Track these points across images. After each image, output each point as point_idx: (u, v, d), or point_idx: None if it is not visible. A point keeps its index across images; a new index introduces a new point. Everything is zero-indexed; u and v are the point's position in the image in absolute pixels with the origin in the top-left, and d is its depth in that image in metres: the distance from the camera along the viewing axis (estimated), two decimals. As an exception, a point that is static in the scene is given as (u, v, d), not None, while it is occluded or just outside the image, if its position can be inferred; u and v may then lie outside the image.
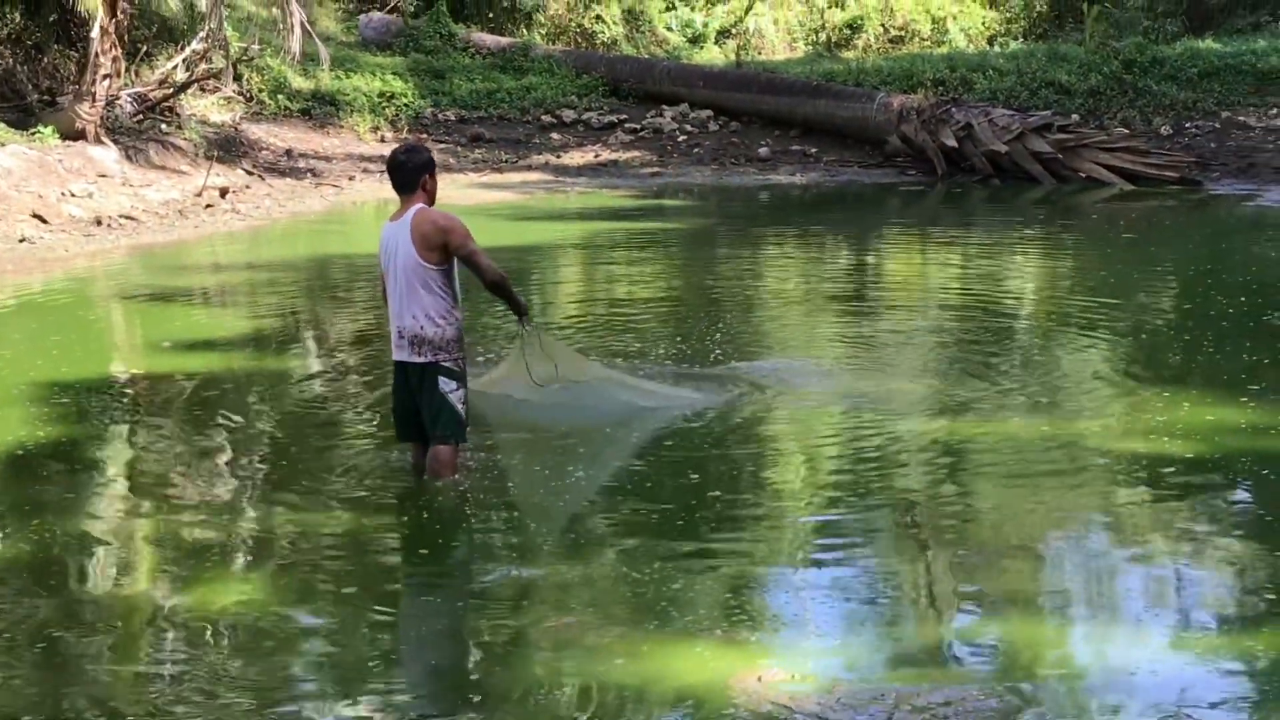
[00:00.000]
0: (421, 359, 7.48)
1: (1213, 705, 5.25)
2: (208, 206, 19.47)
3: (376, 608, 6.31)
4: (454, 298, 7.48)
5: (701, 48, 32.87)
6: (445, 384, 7.49)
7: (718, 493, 7.74)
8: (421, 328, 7.44)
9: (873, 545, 7.11)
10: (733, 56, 31.80)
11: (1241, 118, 24.89)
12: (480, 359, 9.82)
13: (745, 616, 6.12)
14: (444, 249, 7.35)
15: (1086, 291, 13.99)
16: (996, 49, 32.03)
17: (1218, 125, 24.79)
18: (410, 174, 7.47)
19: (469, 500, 7.54)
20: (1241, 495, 7.65)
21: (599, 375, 9.06)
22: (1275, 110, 24.96)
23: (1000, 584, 6.53)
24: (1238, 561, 6.68)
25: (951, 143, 23.24)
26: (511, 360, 8.60)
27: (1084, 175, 22.48)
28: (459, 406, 7.55)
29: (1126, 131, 24.20)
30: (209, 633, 6.00)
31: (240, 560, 6.86)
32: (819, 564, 6.80)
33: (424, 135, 25.61)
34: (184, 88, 23.19)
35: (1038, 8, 35.34)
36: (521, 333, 8.21)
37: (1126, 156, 22.55)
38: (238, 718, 5.24)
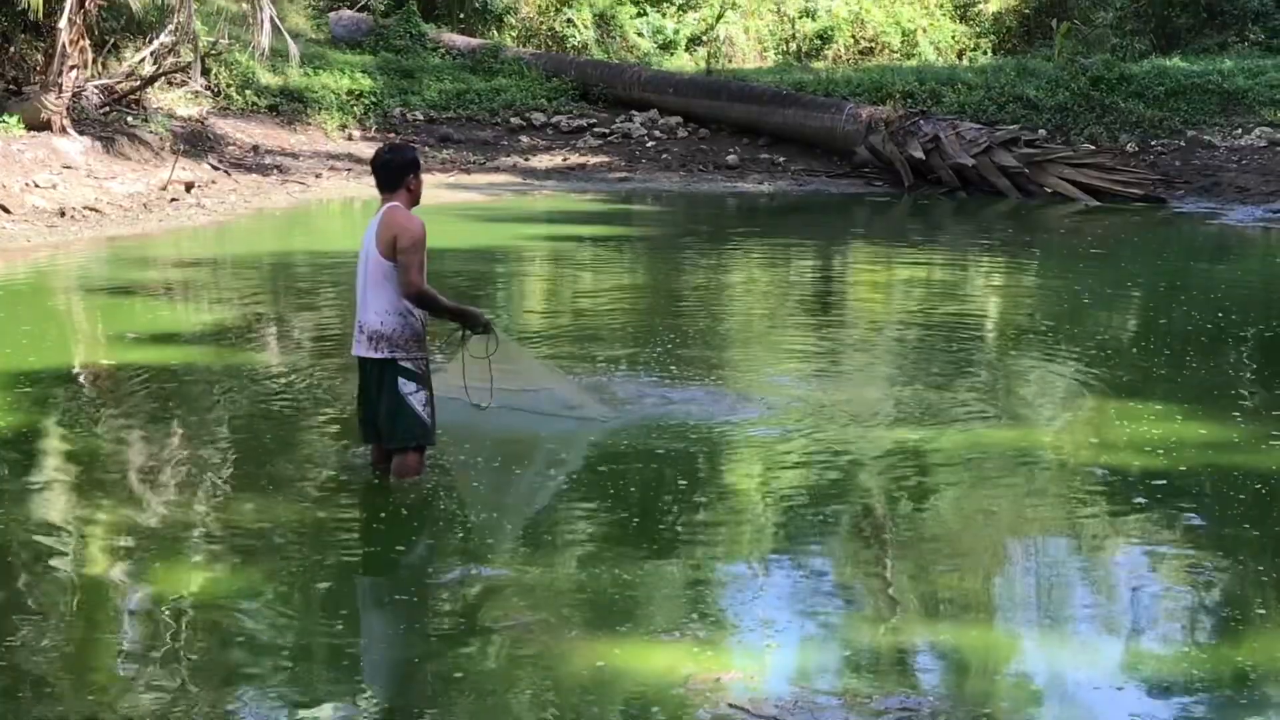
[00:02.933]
0: (378, 354, 7.43)
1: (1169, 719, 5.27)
2: (173, 200, 19.36)
3: (333, 605, 6.27)
4: None
5: (672, 54, 32.89)
6: (405, 385, 7.43)
7: (677, 497, 7.72)
8: (381, 323, 7.39)
9: (832, 552, 7.12)
10: (703, 64, 31.84)
11: (1207, 137, 25.04)
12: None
13: (704, 620, 6.10)
14: (393, 244, 7.32)
15: (1051, 305, 14.05)
16: (966, 63, 32.16)
17: (1183, 144, 24.94)
18: (394, 173, 7.44)
19: (428, 500, 7.50)
20: (1201, 509, 7.67)
21: (538, 379, 8.89)
22: (1240, 130, 25.13)
23: (959, 593, 6.56)
24: (1196, 575, 6.70)
25: (919, 155, 23.32)
26: (452, 372, 8.45)
27: (1049, 190, 22.60)
28: (420, 409, 7.48)
29: (1093, 148, 24.36)
30: (162, 624, 5.95)
31: (196, 554, 6.79)
32: (778, 569, 6.79)
33: (392, 135, 25.54)
34: (151, 81, 23.06)
35: (1007, 23, 35.49)
36: (463, 346, 8.02)
37: (1092, 173, 22.69)
38: (191, 711, 5.19)
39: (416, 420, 7.48)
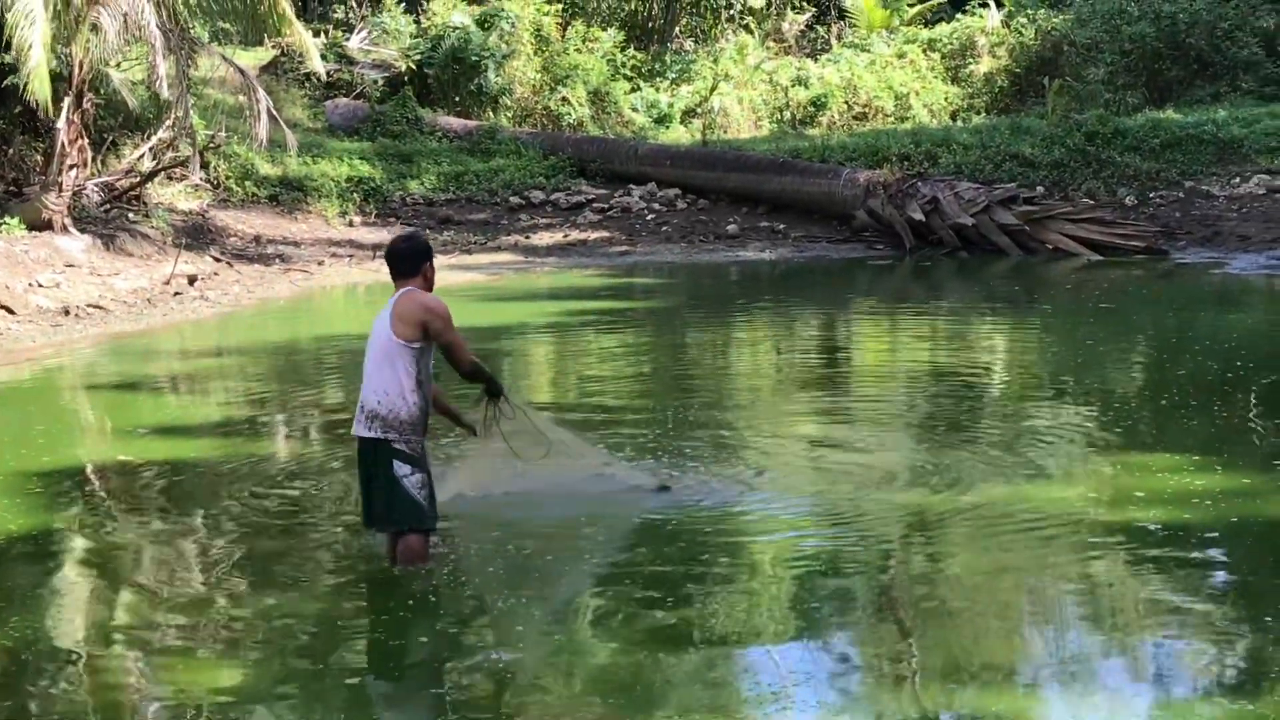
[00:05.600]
0: (372, 434, 7.38)
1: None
2: (176, 294, 19.40)
3: (355, 702, 6.21)
4: (417, 381, 7.38)
5: (668, 127, 33.05)
6: (400, 468, 7.37)
7: (692, 576, 7.65)
8: (378, 402, 7.36)
9: (853, 623, 7.05)
10: (699, 135, 31.99)
11: (1205, 187, 25.10)
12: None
13: (730, 697, 6.05)
14: (422, 328, 7.32)
15: (1061, 360, 14.02)
16: (960, 123, 32.28)
17: (1182, 195, 25.00)
18: (410, 261, 7.51)
19: (441, 587, 7.44)
20: (1218, 562, 7.63)
21: (569, 446, 8.86)
22: (1238, 179, 25.19)
23: (980, 657, 6.50)
24: (1216, 631, 6.64)
25: (919, 216, 23.37)
26: (478, 453, 8.43)
27: (1051, 247, 22.62)
28: (415, 492, 7.40)
29: (1091, 202, 24.40)
30: (175, 715, 5.89)
31: (213, 652, 6.73)
32: (800, 645, 6.73)
33: (393, 219, 25.63)
34: (151, 176, 23.18)
35: (999, 83, 35.67)
36: (492, 413, 8.07)
37: (1093, 227, 22.72)
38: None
39: (412, 503, 7.41)
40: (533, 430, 8.34)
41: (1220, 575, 7.40)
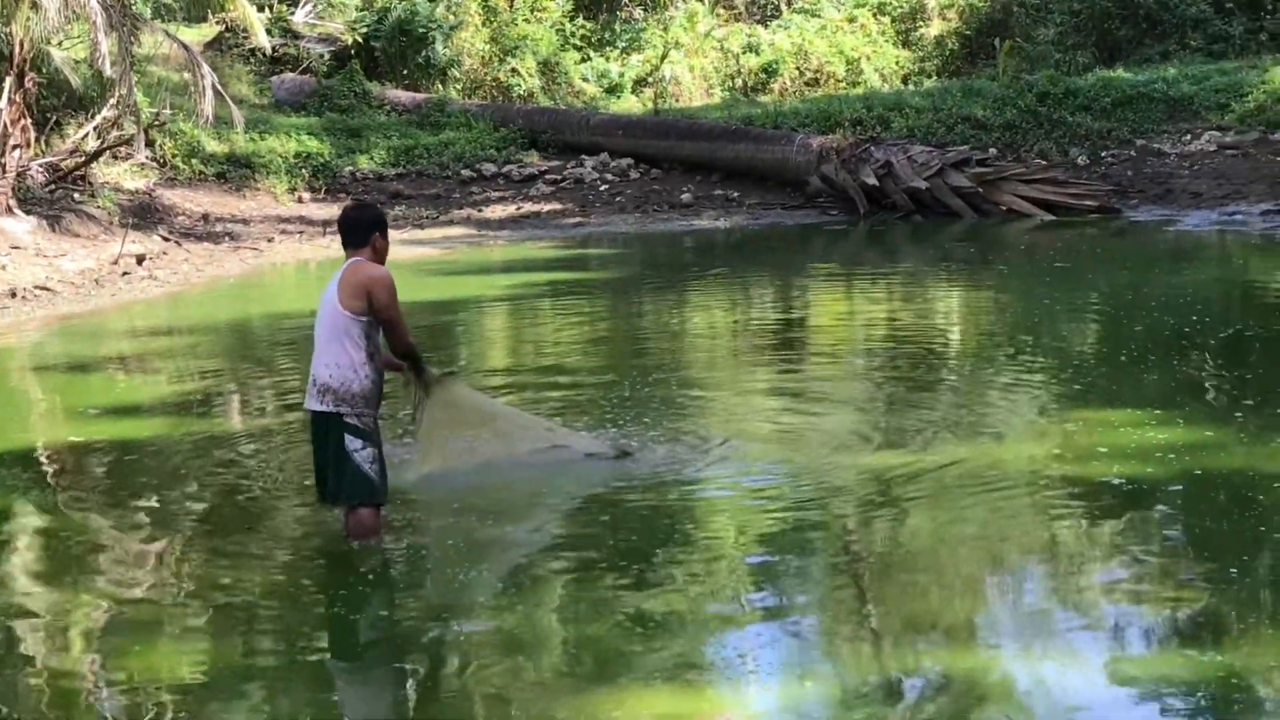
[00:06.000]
0: (324, 408, 7.26)
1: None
2: (124, 274, 19.15)
3: (314, 675, 6.13)
4: (369, 354, 7.26)
5: (619, 97, 32.91)
6: (351, 442, 7.24)
7: (654, 540, 7.57)
8: (330, 375, 7.23)
9: (816, 584, 6.99)
10: (650, 104, 31.85)
11: (1156, 145, 25.15)
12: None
13: (696, 661, 5.98)
14: (367, 300, 7.19)
15: (1018, 320, 14.00)
16: (911, 87, 32.29)
17: (1133, 153, 25.04)
18: (361, 230, 7.37)
19: (400, 562, 7.34)
20: (1181, 515, 7.62)
21: (504, 420, 8.76)
22: (1189, 136, 25.25)
23: (946, 616, 6.46)
24: (1178, 584, 6.62)
25: (872, 181, 23.31)
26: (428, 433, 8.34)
27: (1004, 208, 22.61)
28: (367, 467, 7.28)
29: (1044, 163, 24.42)
30: (137, 703, 5.79)
31: (167, 629, 6.61)
32: (763, 606, 6.66)
33: (343, 195, 25.39)
34: (96, 156, 22.89)
35: (950, 45, 35.67)
36: (421, 395, 8.00)
37: (1046, 188, 22.72)
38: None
39: (363, 478, 7.29)
40: (474, 410, 8.28)
41: (1182, 528, 7.40)
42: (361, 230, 7.37)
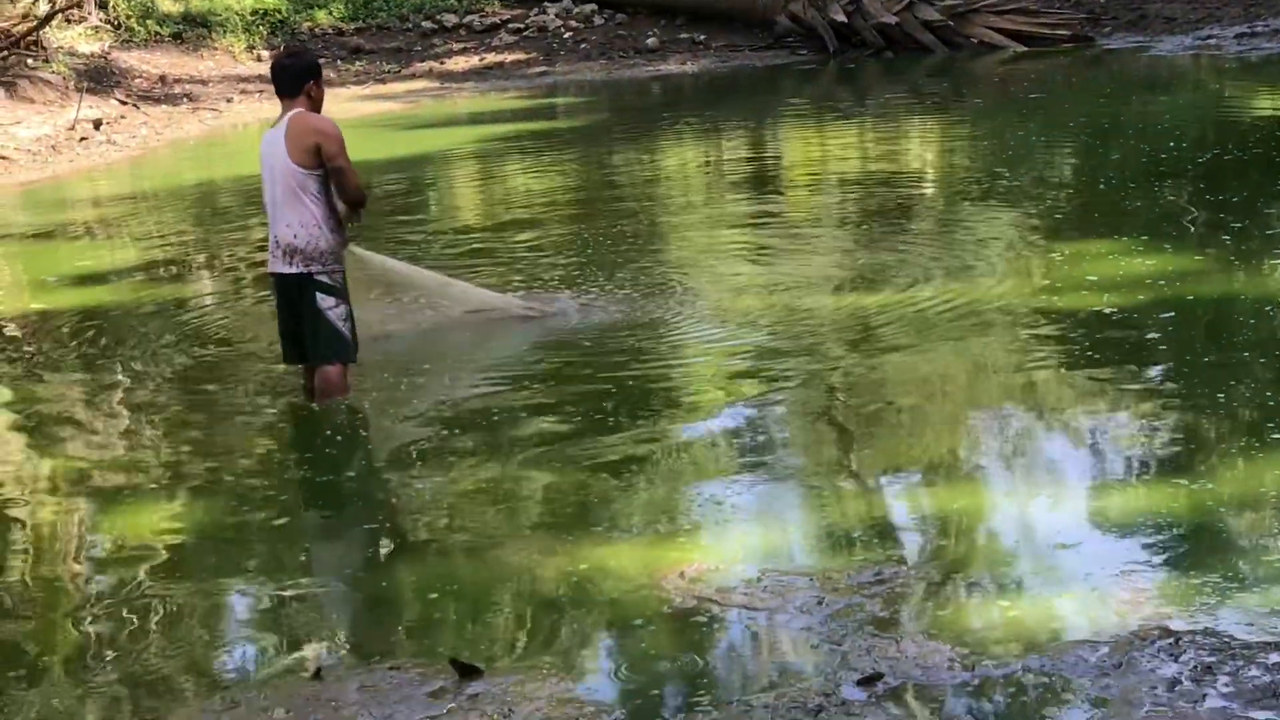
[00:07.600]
0: (294, 270, 7.10)
1: (1147, 565, 5.09)
2: (82, 140, 18.77)
3: (292, 536, 6.07)
4: (329, 207, 7.08)
5: (580, -60, 32.18)
6: (323, 300, 7.10)
7: (623, 388, 7.46)
8: (295, 235, 7.05)
9: (790, 429, 6.90)
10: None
11: (1128, -30, 24.71)
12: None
13: (664, 514, 5.89)
14: (317, 152, 6.96)
15: (993, 154, 13.83)
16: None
17: (1105, -20, 24.61)
18: (293, 78, 7.10)
19: (362, 425, 7.25)
20: (1157, 342, 7.60)
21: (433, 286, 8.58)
22: (1161, -39, 24.82)
23: (926, 457, 6.40)
24: (1159, 415, 6.56)
25: (841, 18, 22.90)
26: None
27: (976, 40, 22.26)
28: (339, 324, 7.15)
29: (1015, -7, 23.99)
30: (113, 566, 5.76)
31: (137, 493, 6.55)
32: (736, 453, 6.57)
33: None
34: (48, 20, 22.31)
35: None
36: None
37: (1017, 18, 22.36)
38: (161, 652, 4.94)
39: (335, 334, 7.16)
40: (398, 275, 8.16)
41: (1159, 356, 7.36)
42: (297, 78, 7.09)
